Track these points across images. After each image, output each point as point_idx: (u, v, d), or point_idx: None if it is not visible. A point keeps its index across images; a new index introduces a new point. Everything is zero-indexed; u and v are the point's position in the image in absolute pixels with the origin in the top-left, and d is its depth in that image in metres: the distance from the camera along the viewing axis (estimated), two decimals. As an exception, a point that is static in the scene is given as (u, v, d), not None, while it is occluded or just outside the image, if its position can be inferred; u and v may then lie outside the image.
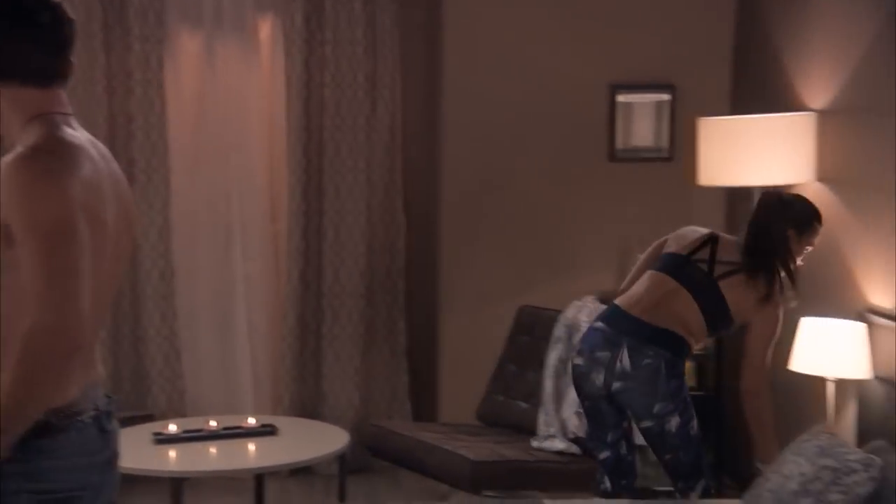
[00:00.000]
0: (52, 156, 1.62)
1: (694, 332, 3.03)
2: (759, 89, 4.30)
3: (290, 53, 4.48)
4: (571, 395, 3.76)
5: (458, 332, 4.62)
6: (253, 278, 4.67)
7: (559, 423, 3.79)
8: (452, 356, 4.63)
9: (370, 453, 4.10)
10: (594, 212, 4.64)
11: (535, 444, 3.78)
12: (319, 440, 3.79)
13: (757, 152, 3.74)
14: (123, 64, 4.35)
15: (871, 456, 2.48)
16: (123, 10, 4.31)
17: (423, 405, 4.69)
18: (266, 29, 4.59)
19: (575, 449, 3.69)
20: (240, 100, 4.61)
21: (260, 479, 3.89)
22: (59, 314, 1.55)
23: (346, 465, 3.90)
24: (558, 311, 4.01)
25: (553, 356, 3.90)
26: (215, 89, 4.57)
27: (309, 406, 4.57)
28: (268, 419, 3.99)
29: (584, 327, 3.82)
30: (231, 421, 3.87)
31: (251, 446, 3.72)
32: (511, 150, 4.62)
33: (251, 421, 3.87)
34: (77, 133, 1.71)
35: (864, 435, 3.11)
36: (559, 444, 3.71)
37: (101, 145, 1.78)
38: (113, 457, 1.78)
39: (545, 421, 3.82)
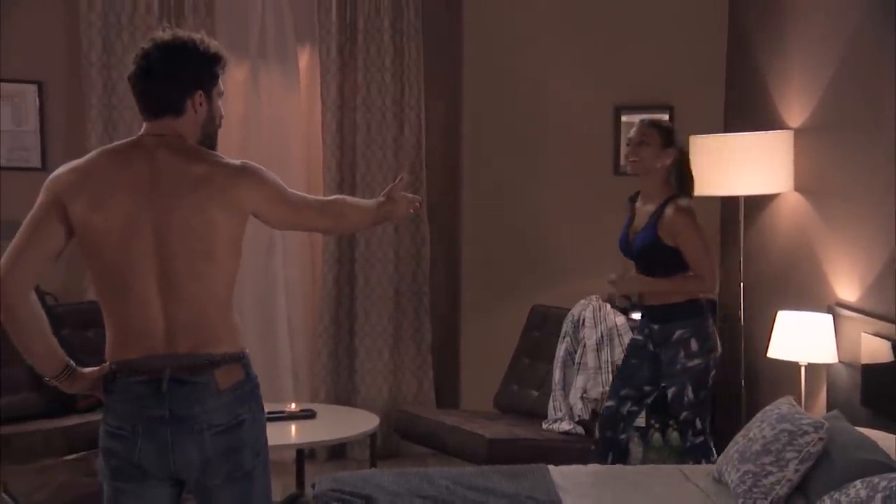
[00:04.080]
0: None
1: None
2: (748, 109, 4.72)
3: (325, 80, 4.93)
4: (577, 383, 4.21)
5: (478, 330, 5.05)
6: (292, 283, 5.09)
7: (567, 408, 4.22)
8: (472, 351, 5.06)
9: (398, 436, 4.55)
10: (600, 221, 5.06)
11: (545, 426, 4.21)
12: (353, 422, 4.20)
13: (742, 166, 4.16)
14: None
15: (821, 420, 2.91)
16: (179, 43, 4.81)
17: (446, 396, 5.11)
18: (305, 58, 5.05)
19: (580, 430, 4.12)
20: (281, 122, 5.04)
21: (301, 457, 4.34)
22: None
23: (377, 448, 4.35)
24: (566, 310, 4.44)
25: (561, 349, 4.33)
26: (259, 112, 5.02)
27: (343, 397, 5.00)
28: (307, 405, 4.44)
29: (588, 324, 4.28)
30: (275, 406, 4.32)
31: (293, 427, 4.16)
32: (525, 166, 5.06)
33: (293, 406, 4.33)
34: (119, 148, 2.19)
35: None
36: (566, 426, 4.14)
37: (186, 157, 2.19)
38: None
39: (554, 406, 4.25)
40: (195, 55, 2.19)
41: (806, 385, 3.70)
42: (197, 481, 2.18)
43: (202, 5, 4.78)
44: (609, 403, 3.62)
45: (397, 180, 2.58)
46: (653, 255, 3.46)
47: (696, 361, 3.44)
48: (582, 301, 4.40)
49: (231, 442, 2.17)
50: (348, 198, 2.49)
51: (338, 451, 4.99)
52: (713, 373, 3.50)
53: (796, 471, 2.82)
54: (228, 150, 4.94)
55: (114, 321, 2.16)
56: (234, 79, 4.96)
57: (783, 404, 3.09)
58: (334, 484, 3.10)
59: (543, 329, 4.57)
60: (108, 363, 2.19)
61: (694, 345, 3.43)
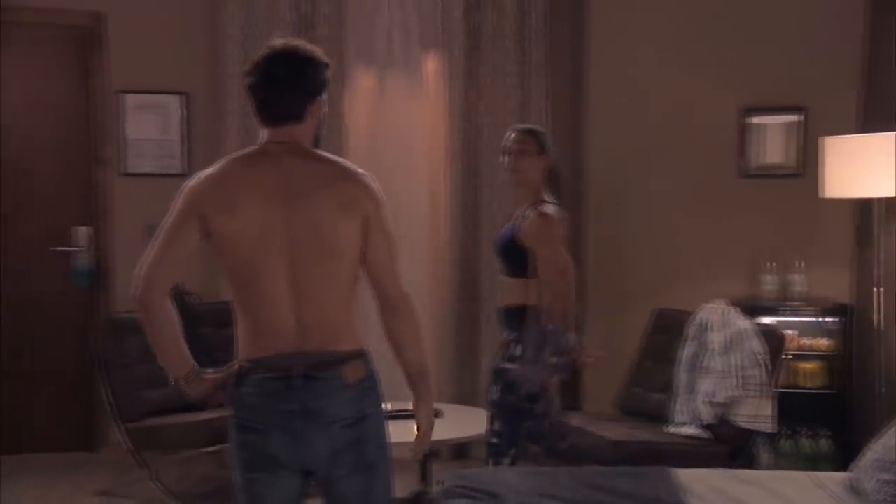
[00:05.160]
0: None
1: None
2: (886, 109, 4.56)
3: (451, 86, 5.02)
4: (703, 387, 4.17)
5: (600, 332, 5.05)
6: (417, 284, 5.19)
7: (691, 412, 4.18)
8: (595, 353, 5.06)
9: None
10: (726, 224, 4.99)
11: (669, 429, 4.18)
12: (478, 422, 4.19)
13: (881, 167, 4.03)
14: (310, 99, 5.02)
15: (964, 427, 2.81)
16: (312, 53, 5.00)
17: (569, 397, 5.13)
18: (430, 64, 5.15)
19: (705, 434, 4.08)
20: (406, 126, 5.17)
21: (425, 455, 4.43)
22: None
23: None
24: (691, 313, 4.40)
25: (686, 352, 4.30)
26: (385, 118, 5.16)
27: (467, 397, 5.05)
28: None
29: (714, 327, 4.24)
30: (401, 405, 4.42)
31: (418, 425, 4.27)
32: (649, 168, 5.03)
33: (418, 405, 4.43)
34: (247, 156, 2.28)
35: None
36: (691, 430, 4.10)
37: (311, 162, 2.28)
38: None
39: (678, 410, 4.22)
40: (314, 63, 2.27)
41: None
42: (324, 472, 2.27)
43: (334, 15, 4.96)
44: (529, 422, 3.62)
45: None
46: (508, 253, 3.49)
47: (511, 366, 3.44)
48: (707, 305, 4.35)
49: (357, 435, 2.26)
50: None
51: (461, 450, 5.07)
52: (534, 383, 3.45)
53: (938, 481, 2.73)
54: (355, 156, 5.20)
55: (246, 320, 2.26)
56: (361, 86, 5.13)
57: (922, 412, 2.99)
58: (461, 481, 3.16)
59: (668, 332, 4.53)
60: (235, 363, 2.28)
61: (517, 350, 3.43)
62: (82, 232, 5.05)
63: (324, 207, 2.21)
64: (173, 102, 5.03)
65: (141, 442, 4.26)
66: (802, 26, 4.92)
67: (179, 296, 3.66)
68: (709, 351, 4.18)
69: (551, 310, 3.36)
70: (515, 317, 3.46)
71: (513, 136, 3.58)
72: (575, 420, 4.29)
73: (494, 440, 3.56)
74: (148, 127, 5.03)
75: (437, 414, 4.16)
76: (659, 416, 4.31)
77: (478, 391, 5.10)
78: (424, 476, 4.46)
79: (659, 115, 5.00)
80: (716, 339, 4.16)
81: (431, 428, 2.44)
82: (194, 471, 4.64)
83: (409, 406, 4.33)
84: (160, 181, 4.97)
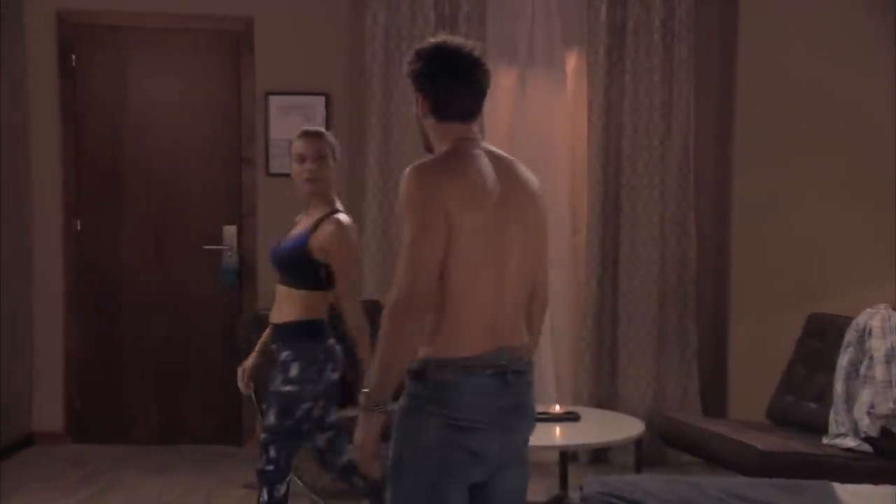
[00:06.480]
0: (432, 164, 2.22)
1: None
2: None
3: (592, 83, 4.94)
4: (863, 397, 3.92)
5: (748, 336, 4.84)
6: (555, 284, 5.13)
7: (850, 423, 3.94)
8: (741, 359, 4.86)
9: (662, 443, 4.45)
10: (890, 223, 4.69)
11: (825, 440, 3.95)
12: (618, 427, 4.15)
13: None
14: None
15: None
16: (453, 53, 5.00)
17: (712, 404, 4.95)
18: (572, 62, 5.08)
19: (866, 447, 3.83)
20: (547, 124, 5.11)
21: (564, 459, 4.36)
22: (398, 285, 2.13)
23: (642, 453, 4.28)
24: (849, 318, 4.14)
25: (844, 360, 4.05)
26: (526, 116, 5.11)
27: (605, 401, 4.98)
28: (571, 408, 4.45)
29: (876, 334, 3.98)
30: (539, 408, 4.35)
31: (557, 429, 4.17)
32: (801, 166, 4.79)
33: (557, 408, 4.37)
34: (463, 151, 2.23)
35: None
36: (850, 443, 3.86)
37: (506, 159, 2.28)
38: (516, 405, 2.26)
39: (836, 420, 3.98)
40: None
41: None
42: (504, 469, 2.23)
43: (475, 14, 4.95)
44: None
45: None
46: (295, 264, 3.22)
47: (289, 388, 3.17)
48: (868, 309, 4.09)
49: (532, 429, 2.30)
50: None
51: (600, 456, 4.97)
52: (307, 406, 3.19)
53: None
54: (496, 155, 5.10)
55: (459, 317, 2.16)
56: (502, 85, 5.09)
57: None
58: (603, 487, 3.08)
59: (823, 338, 4.29)
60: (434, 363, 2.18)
61: (294, 370, 3.18)
62: (229, 231, 5.22)
63: (534, 205, 2.26)
64: (316, 103, 5.13)
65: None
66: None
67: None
68: (870, 359, 3.93)
69: (357, 324, 3.21)
70: (297, 333, 3.23)
71: (305, 140, 3.30)
72: (720, 427, 4.12)
73: (269, 468, 3.24)
74: (292, 127, 5.07)
75: (575, 417, 4.19)
76: (812, 427, 4.09)
77: (616, 394, 5.01)
78: (563, 481, 4.38)
79: (813, 111, 4.76)
80: (878, 346, 3.91)
81: None
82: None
83: (554, 408, 4.33)
84: (303, 181, 5.08)
